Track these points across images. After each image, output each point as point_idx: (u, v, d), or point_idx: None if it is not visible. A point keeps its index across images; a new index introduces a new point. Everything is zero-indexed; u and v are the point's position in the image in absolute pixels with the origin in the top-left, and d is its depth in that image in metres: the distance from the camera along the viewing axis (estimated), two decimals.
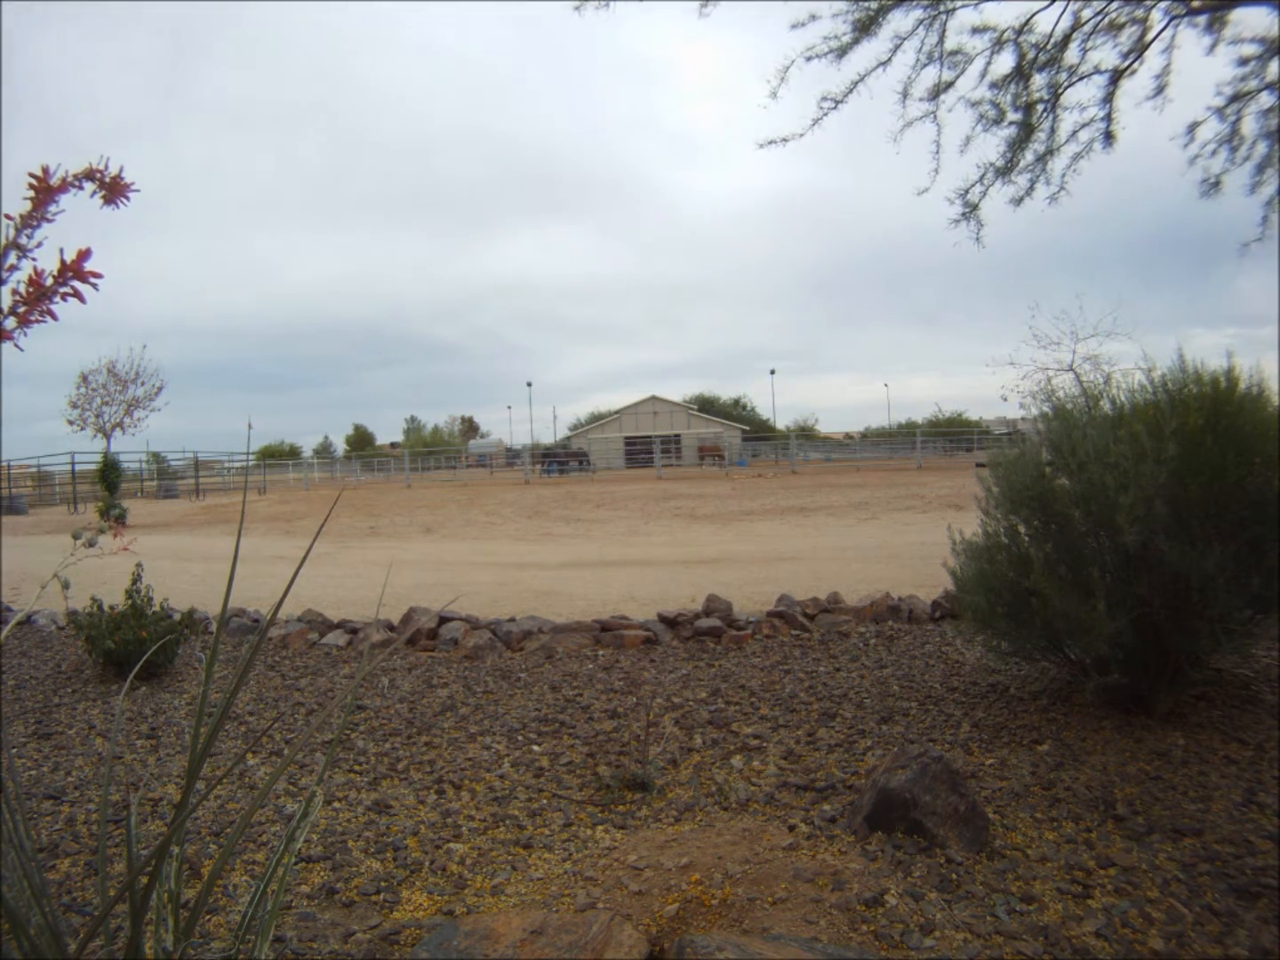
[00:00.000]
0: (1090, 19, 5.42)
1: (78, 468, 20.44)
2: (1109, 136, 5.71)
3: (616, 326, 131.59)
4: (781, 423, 58.71)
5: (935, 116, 5.72)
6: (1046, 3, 5.38)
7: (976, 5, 5.34)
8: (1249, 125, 5.69)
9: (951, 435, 37.26)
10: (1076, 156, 5.79)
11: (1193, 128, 5.88)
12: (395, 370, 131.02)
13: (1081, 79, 5.59)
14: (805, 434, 54.12)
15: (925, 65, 5.54)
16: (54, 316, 0.89)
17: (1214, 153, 5.83)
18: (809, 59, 5.32)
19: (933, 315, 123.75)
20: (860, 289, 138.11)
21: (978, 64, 5.61)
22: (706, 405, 56.36)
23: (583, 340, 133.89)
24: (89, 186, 0.90)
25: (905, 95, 5.65)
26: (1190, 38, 5.50)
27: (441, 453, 46.90)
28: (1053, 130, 5.70)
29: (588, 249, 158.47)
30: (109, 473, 15.59)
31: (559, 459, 34.26)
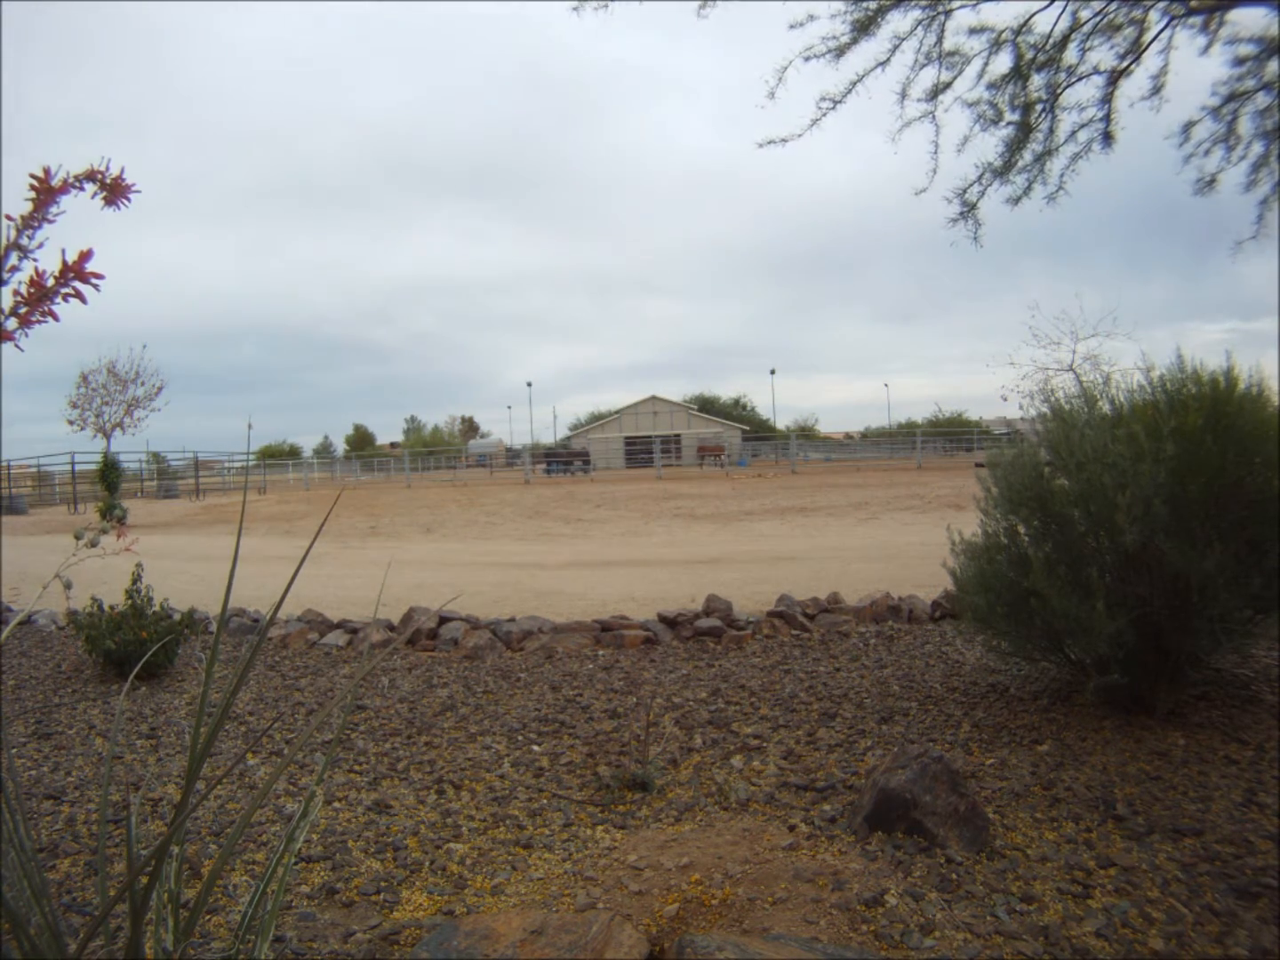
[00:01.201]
0: (1089, 19, 5.42)
1: (78, 468, 20.44)
2: (1108, 137, 5.71)
3: (567, 323, 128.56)
4: (780, 423, 58.69)
5: (934, 117, 5.72)
6: (1045, 3, 5.39)
7: (975, 6, 5.35)
8: (1245, 125, 5.70)
9: (951, 435, 37.26)
10: (1075, 157, 5.79)
11: (1188, 127, 5.89)
12: (340, 373, 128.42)
13: (1080, 79, 5.60)
14: (805, 434, 54.13)
15: (924, 66, 5.54)
16: (55, 317, 0.89)
17: (1208, 152, 5.83)
18: (808, 59, 5.32)
19: (914, 309, 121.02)
20: (824, 276, 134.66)
21: (976, 64, 5.61)
22: (706, 405, 56.38)
23: (536, 338, 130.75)
24: (90, 187, 0.90)
25: (904, 96, 5.65)
26: (1186, 39, 5.51)
27: (441, 453, 46.90)
28: (1051, 130, 5.71)
29: (505, 239, 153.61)
30: (109, 473, 15.58)
31: (561, 459, 34.24)
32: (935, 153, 5.77)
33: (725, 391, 64.45)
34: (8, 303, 0.88)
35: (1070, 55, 5.55)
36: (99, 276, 0.90)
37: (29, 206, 0.88)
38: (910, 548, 7.53)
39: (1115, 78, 5.59)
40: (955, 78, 5.64)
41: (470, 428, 76.24)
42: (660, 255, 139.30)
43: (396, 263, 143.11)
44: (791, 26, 5.32)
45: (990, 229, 5.91)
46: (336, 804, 2.16)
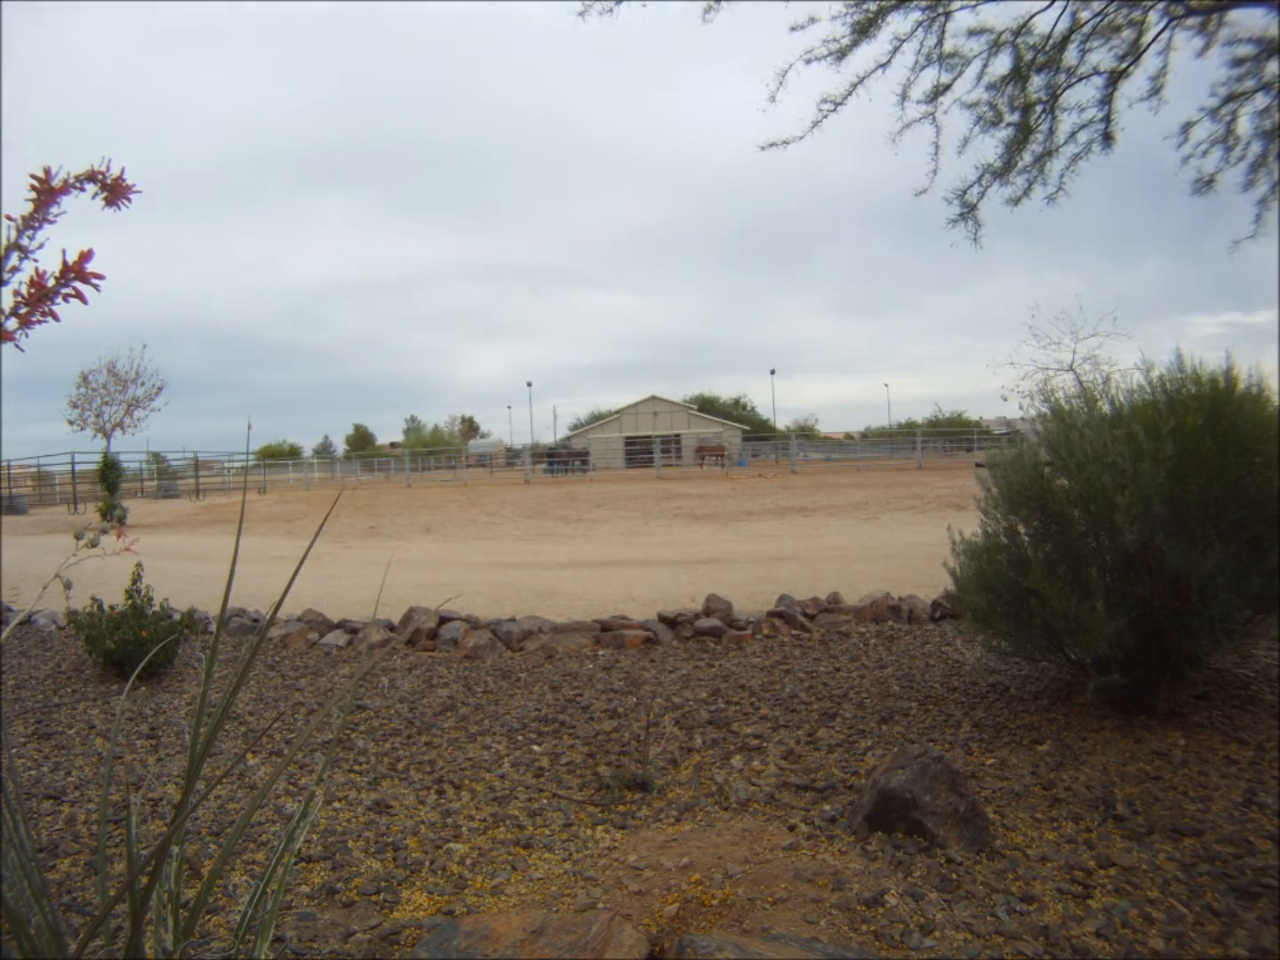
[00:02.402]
0: (1088, 21, 5.43)
1: (78, 468, 20.42)
2: (1107, 137, 5.71)
3: (507, 321, 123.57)
4: (780, 423, 58.70)
5: (934, 118, 5.72)
6: (1045, 4, 5.39)
7: (975, 7, 5.35)
8: (1243, 125, 5.70)
9: (951, 435, 37.27)
10: (1075, 157, 5.79)
11: (1186, 127, 5.89)
12: (283, 375, 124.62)
13: (1080, 80, 5.60)
14: (805, 434, 54.19)
15: (924, 67, 5.54)
16: (56, 317, 0.89)
17: (1206, 152, 5.84)
18: (809, 61, 5.33)
19: (891, 303, 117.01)
20: (780, 265, 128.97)
21: (975, 66, 5.61)
22: (706, 405, 56.49)
23: (474, 337, 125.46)
24: (90, 188, 0.90)
25: (904, 97, 5.65)
26: (1185, 40, 5.51)
27: (442, 453, 46.91)
28: (1051, 131, 5.71)
29: (410, 230, 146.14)
30: (109, 473, 15.59)
31: (560, 459, 34.27)
32: (935, 154, 5.77)
33: (699, 389, 64.03)
34: (8, 303, 0.88)
35: (1070, 56, 5.55)
36: (99, 276, 0.90)
37: (29, 206, 0.88)
38: (910, 548, 7.53)
39: (1115, 79, 5.59)
40: (955, 79, 5.64)
41: (470, 428, 76.25)
42: (590, 245, 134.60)
43: (306, 263, 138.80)
44: (793, 29, 5.32)
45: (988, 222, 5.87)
46: (336, 804, 2.16)
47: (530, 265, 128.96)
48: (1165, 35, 5.47)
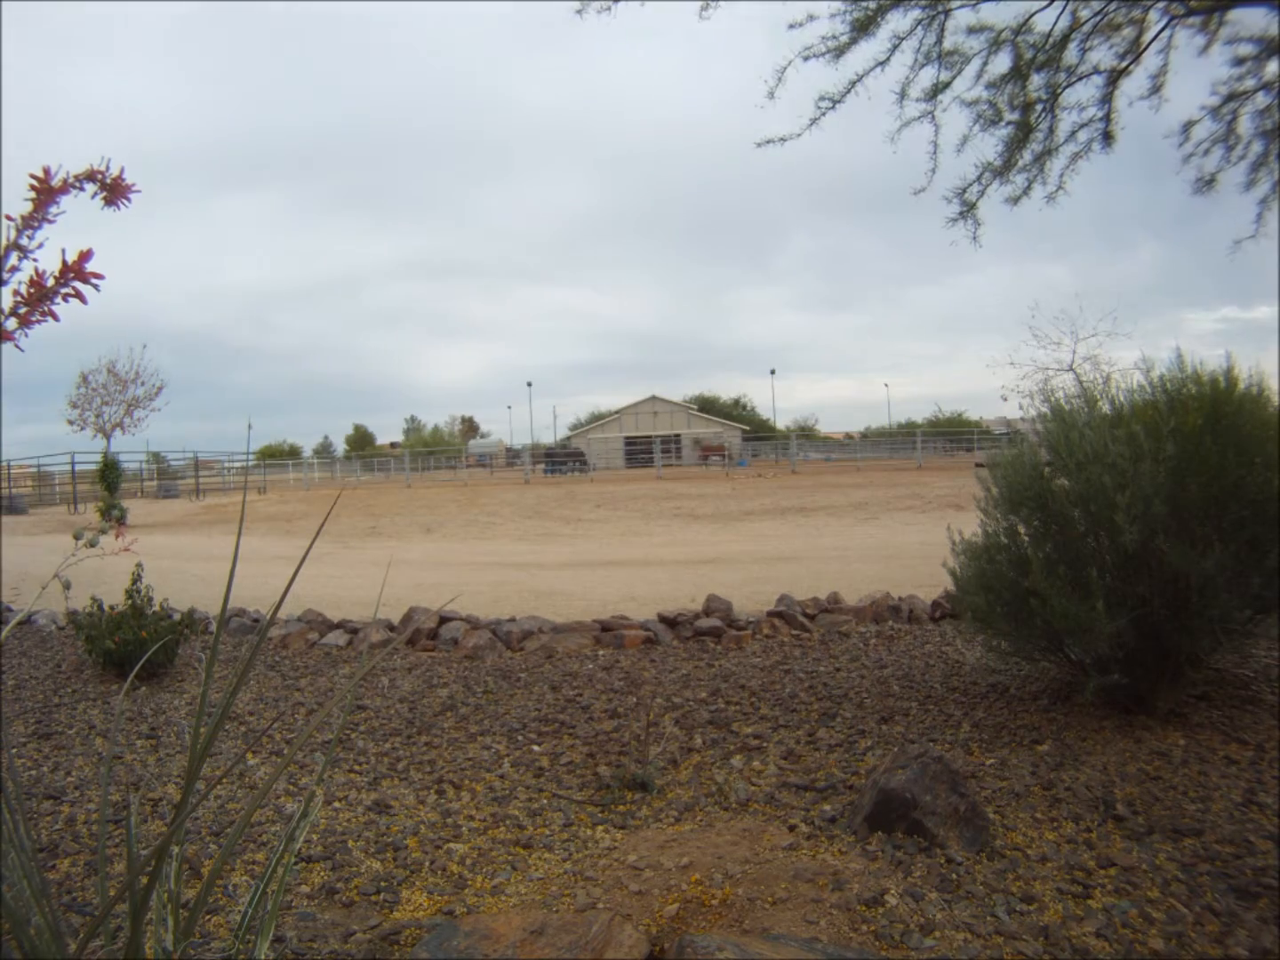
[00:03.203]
0: (1089, 19, 5.42)
1: (78, 468, 20.41)
2: (1108, 136, 5.71)
3: (507, 321, 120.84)
4: (780, 423, 58.75)
5: (933, 117, 5.72)
6: (1045, 3, 5.38)
7: (975, 5, 5.34)
8: (1244, 124, 5.70)
9: (951, 435, 37.30)
10: (1075, 156, 5.79)
11: (1187, 127, 5.89)
12: (247, 374, 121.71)
13: (1080, 79, 5.59)
14: (805, 434, 54.24)
15: (923, 66, 5.54)
16: (55, 317, 0.89)
17: (1207, 152, 5.83)
18: (806, 59, 5.32)
19: (887, 299, 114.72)
20: (742, 255, 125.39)
21: (975, 64, 5.61)
22: (707, 405, 56.62)
23: (436, 337, 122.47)
24: (90, 188, 0.90)
25: (903, 95, 5.64)
26: (1186, 39, 5.51)
27: (442, 453, 46.93)
28: (1051, 130, 5.70)
29: (342, 228, 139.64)
30: (109, 473, 15.57)
31: (558, 459, 34.38)
32: (935, 153, 5.76)
33: (696, 389, 63.84)
34: (8, 303, 0.88)
35: (1070, 55, 5.55)
36: (99, 276, 0.90)
37: (29, 206, 0.88)
38: (910, 548, 7.53)
39: (1115, 77, 5.58)
40: (954, 77, 5.63)
41: (470, 428, 76.23)
42: (587, 242, 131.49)
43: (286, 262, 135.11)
44: (791, 26, 5.31)
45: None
46: (336, 804, 2.16)
47: (529, 264, 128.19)
48: (1166, 34, 5.46)
